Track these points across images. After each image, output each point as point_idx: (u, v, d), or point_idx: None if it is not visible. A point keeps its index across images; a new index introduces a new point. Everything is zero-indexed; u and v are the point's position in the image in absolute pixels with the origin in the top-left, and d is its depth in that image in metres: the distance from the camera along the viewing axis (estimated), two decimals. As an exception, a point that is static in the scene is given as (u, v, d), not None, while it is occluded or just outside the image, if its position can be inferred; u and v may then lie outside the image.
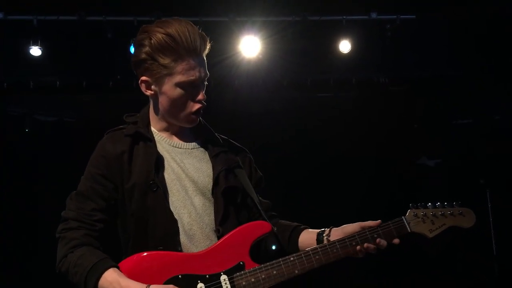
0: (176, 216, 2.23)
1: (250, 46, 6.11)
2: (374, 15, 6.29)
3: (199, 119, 2.39)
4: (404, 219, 2.31)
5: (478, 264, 6.57)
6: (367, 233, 2.25)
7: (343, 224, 2.34)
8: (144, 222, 2.23)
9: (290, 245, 2.40)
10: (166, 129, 2.38)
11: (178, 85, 2.25)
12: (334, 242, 2.24)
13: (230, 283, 2.15)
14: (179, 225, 2.23)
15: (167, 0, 5.50)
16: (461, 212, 2.35)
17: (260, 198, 2.51)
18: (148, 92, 2.32)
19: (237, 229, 2.25)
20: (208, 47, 2.30)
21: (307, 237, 2.38)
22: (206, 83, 2.33)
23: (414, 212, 2.32)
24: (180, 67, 2.23)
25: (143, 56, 2.25)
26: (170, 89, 2.26)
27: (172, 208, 2.24)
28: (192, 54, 2.23)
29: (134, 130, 2.32)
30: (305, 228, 2.43)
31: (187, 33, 2.21)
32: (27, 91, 6.41)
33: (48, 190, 6.55)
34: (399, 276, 6.78)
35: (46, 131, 7.25)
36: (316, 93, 6.96)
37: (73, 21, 5.92)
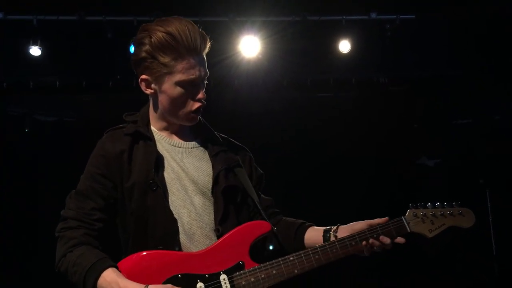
0: (175, 216, 2.23)
1: (250, 46, 6.11)
2: (374, 15, 6.29)
3: (199, 118, 2.39)
4: (403, 219, 2.31)
5: (478, 264, 6.57)
6: (367, 233, 2.25)
7: (343, 224, 2.34)
8: (144, 222, 2.23)
9: (296, 242, 2.39)
10: (166, 128, 2.38)
11: (178, 83, 2.24)
12: (334, 242, 2.24)
13: (229, 282, 2.15)
14: (179, 224, 2.23)
15: (167, 0, 5.50)
16: (460, 212, 2.35)
17: (262, 195, 2.52)
18: (148, 91, 2.32)
19: (236, 228, 2.25)
20: (208, 46, 2.30)
21: (314, 235, 2.37)
22: (206, 82, 2.33)
23: (413, 212, 2.32)
24: (180, 65, 2.22)
25: (143, 54, 2.25)
26: (170, 87, 2.25)
27: (171, 208, 2.24)
28: (192, 53, 2.23)
29: (133, 129, 2.32)
30: (311, 226, 2.43)
31: (188, 32, 2.21)
32: (27, 91, 6.41)
33: (48, 190, 6.55)
34: (399, 276, 6.78)
35: (46, 131, 7.26)
36: (316, 93, 6.96)
37: (73, 21, 5.92)
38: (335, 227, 2.33)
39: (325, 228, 2.35)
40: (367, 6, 6.24)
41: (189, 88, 2.26)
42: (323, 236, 2.32)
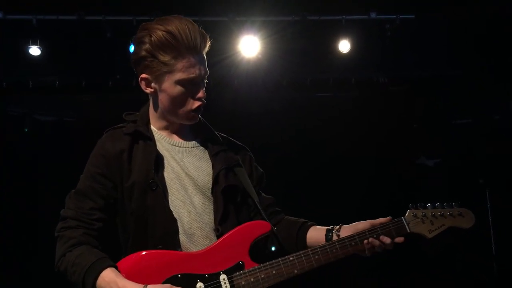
0: (175, 215, 2.23)
1: (249, 46, 6.11)
2: (373, 15, 6.29)
3: (199, 117, 2.39)
4: (403, 219, 2.30)
5: (477, 264, 6.57)
6: (367, 233, 2.25)
7: (345, 224, 2.34)
8: (144, 221, 2.23)
9: (298, 241, 2.39)
10: (165, 128, 2.38)
11: (178, 82, 2.24)
12: (334, 242, 2.24)
13: (229, 282, 2.15)
14: (179, 224, 2.23)
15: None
16: (460, 212, 2.35)
17: (263, 194, 2.51)
18: (148, 90, 2.32)
19: (236, 228, 2.25)
20: (208, 45, 2.30)
21: (316, 234, 2.37)
22: (206, 81, 2.33)
23: (413, 213, 2.32)
24: (180, 64, 2.22)
25: (143, 53, 2.24)
26: (170, 86, 2.25)
27: (171, 207, 2.24)
28: (192, 52, 2.23)
29: (133, 129, 2.32)
30: (313, 225, 2.42)
31: (188, 31, 2.21)
32: (27, 91, 6.40)
33: (48, 190, 6.55)
34: (399, 276, 6.78)
35: (45, 131, 7.26)
36: (316, 93, 6.96)
37: (73, 20, 5.92)
38: (338, 226, 2.33)
39: (328, 227, 2.35)
40: (367, 6, 6.24)
41: (189, 87, 2.26)
42: (325, 235, 2.32)
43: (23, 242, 6.67)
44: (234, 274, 2.16)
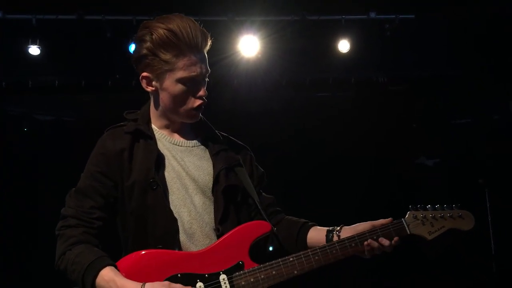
0: (176, 215, 2.22)
1: (249, 46, 6.11)
2: (373, 15, 6.29)
3: (200, 116, 2.38)
4: (403, 221, 2.30)
5: (477, 264, 6.57)
6: (367, 234, 2.25)
7: (346, 225, 2.33)
8: (144, 221, 2.22)
9: (298, 242, 2.38)
10: (166, 127, 2.37)
11: (179, 81, 2.24)
12: (334, 243, 2.24)
13: (229, 282, 2.15)
14: (179, 223, 2.22)
15: (166, -1, 5.50)
16: (460, 214, 2.34)
17: (263, 194, 2.51)
18: (149, 88, 2.31)
19: (236, 228, 2.25)
20: (209, 43, 2.30)
21: (316, 235, 2.36)
22: (207, 79, 2.33)
23: (413, 214, 2.31)
24: (181, 62, 2.22)
25: (144, 51, 2.24)
26: (171, 85, 2.25)
27: (172, 207, 2.23)
28: (193, 50, 2.23)
29: (134, 128, 2.31)
30: (314, 225, 2.41)
31: (189, 29, 2.21)
32: (26, 90, 6.41)
33: (48, 190, 6.55)
34: (399, 276, 6.78)
35: (45, 130, 7.26)
36: (315, 92, 6.97)
37: (72, 20, 5.92)
38: (339, 227, 2.32)
39: (328, 228, 2.34)
40: (367, 5, 6.25)
41: (190, 85, 2.26)
42: (326, 236, 2.31)
43: (23, 242, 6.67)
44: (234, 274, 2.16)
